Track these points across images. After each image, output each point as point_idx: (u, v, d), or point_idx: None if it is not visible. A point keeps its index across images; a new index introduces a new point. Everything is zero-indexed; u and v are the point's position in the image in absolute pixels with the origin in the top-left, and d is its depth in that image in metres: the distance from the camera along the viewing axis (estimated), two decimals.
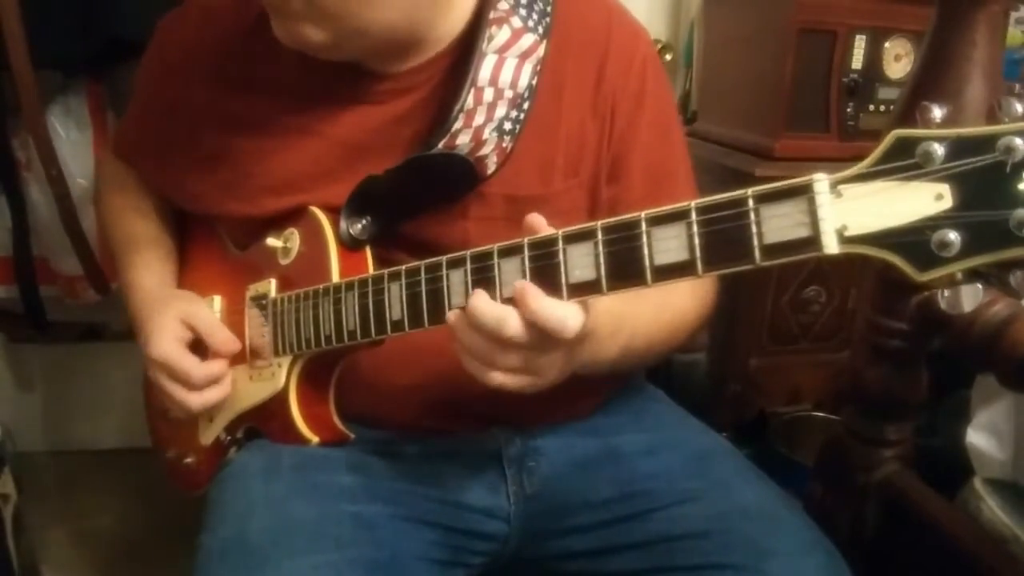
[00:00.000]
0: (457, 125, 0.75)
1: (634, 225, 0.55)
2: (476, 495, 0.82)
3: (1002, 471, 0.87)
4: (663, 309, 0.79)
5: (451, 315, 0.63)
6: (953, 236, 0.44)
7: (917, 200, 0.45)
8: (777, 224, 0.49)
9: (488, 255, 0.62)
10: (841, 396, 1.39)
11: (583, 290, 0.58)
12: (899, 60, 1.35)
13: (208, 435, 0.89)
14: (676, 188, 0.85)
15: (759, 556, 0.72)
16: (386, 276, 0.70)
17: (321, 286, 0.76)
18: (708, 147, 1.52)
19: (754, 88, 1.44)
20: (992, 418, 0.88)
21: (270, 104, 0.81)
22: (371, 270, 0.77)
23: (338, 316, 0.74)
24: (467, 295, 0.62)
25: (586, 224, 0.58)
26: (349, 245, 0.78)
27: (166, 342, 0.82)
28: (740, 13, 1.50)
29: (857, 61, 1.34)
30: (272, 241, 0.83)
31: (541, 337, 0.60)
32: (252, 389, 0.84)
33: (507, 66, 0.76)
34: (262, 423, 0.84)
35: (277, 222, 0.83)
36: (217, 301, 0.89)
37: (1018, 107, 0.43)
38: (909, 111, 0.75)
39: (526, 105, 0.77)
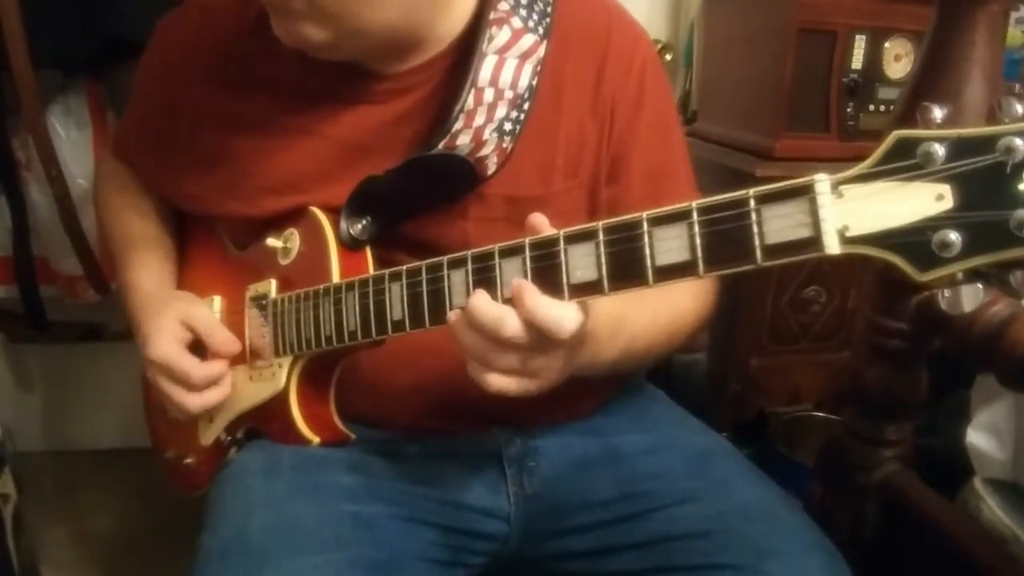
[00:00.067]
0: (457, 126, 0.75)
1: (635, 225, 0.55)
2: (476, 495, 0.82)
3: (1002, 471, 0.87)
4: (663, 311, 0.79)
5: (451, 315, 0.63)
6: (954, 236, 0.44)
7: (918, 200, 0.45)
8: (778, 224, 0.49)
9: (489, 255, 0.62)
10: (841, 396, 1.39)
11: (584, 290, 0.58)
12: (899, 60, 1.35)
13: (208, 435, 0.89)
14: (676, 189, 0.85)
15: (759, 556, 0.72)
16: (387, 276, 0.70)
17: (321, 286, 0.76)
18: (708, 147, 1.52)
19: (754, 88, 1.44)
20: (992, 418, 0.88)
21: (270, 104, 0.81)
22: (371, 270, 0.77)
23: (339, 316, 0.74)
24: (468, 295, 0.62)
25: (587, 224, 0.58)
26: (349, 245, 0.78)
27: (165, 343, 0.82)
28: (740, 13, 1.50)
29: (857, 61, 1.34)
30: (272, 241, 0.83)
31: (540, 337, 0.60)
32: (252, 389, 0.84)
33: (507, 67, 0.76)
34: (262, 423, 0.84)
35: (277, 222, 0.83)
36: (217, 301, 0.89)
37: (1018, 107, 0.43)
38: (909, 111, 0.76)
39: (526, 106, 0.77)
